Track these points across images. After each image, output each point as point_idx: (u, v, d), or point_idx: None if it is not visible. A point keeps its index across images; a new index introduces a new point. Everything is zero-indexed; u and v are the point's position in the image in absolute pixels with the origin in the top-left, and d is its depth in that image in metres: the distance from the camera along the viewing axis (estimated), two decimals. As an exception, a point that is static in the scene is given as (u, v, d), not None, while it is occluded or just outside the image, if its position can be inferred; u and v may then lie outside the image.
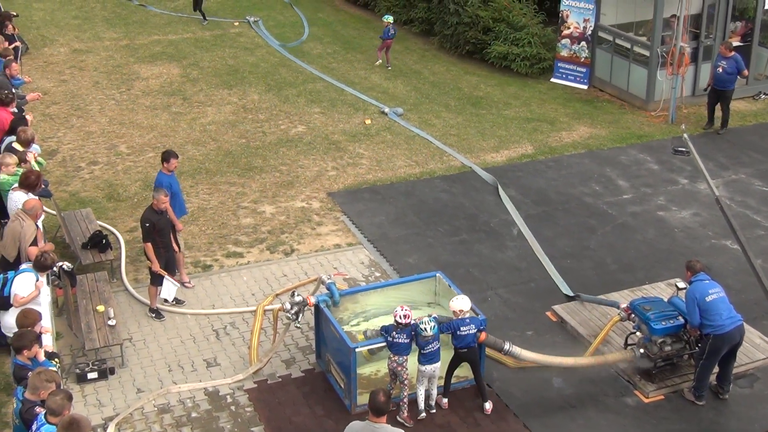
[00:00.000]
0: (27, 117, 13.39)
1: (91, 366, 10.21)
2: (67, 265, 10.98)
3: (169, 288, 11.20)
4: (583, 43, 20.13)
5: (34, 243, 10.41)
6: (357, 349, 9.48)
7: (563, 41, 20.45)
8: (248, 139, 16.87)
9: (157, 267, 11.01)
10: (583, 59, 20.22)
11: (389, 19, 21.75)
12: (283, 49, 22.63)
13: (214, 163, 15.87)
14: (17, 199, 10.93)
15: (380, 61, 21.75)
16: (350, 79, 20.44)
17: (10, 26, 18.38)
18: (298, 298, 10.05)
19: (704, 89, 18.26)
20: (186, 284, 11.95)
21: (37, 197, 10.96)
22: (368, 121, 17.83)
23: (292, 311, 9.95)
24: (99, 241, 12.10)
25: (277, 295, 11.69)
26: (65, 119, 17.62)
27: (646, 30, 19.23)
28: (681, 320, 10.06)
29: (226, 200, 14.55)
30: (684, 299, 10.01)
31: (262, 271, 12.50)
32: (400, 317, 9.34)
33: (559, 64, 20.66)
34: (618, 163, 16.30)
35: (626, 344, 10.62)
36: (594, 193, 15.10)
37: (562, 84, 20.52)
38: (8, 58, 14.73)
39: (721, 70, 17.18)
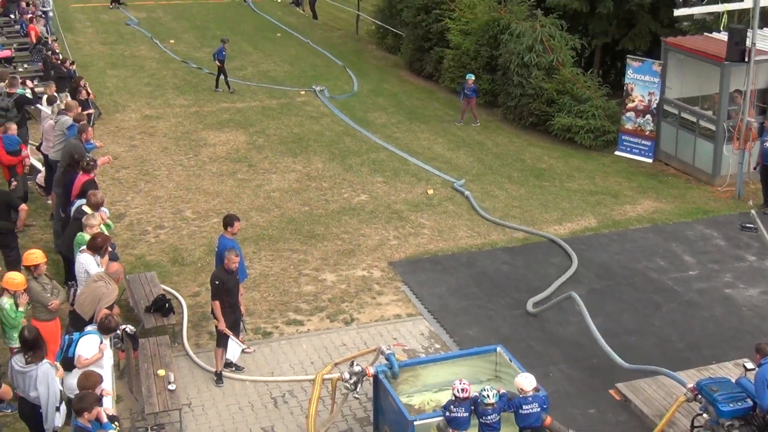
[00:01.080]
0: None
1: (149, 430, 10.33)
2: (130, 328, 11.17)
3: (233, 349, 11.38)
4: (648, 116, 20.17)
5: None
6: (416, 422, 9.40)
7: (628, 114, 20.53)
8: (311, 207, 17.23)
9: (223, 326, 11.20)
10: (647, 132, 20.23)
11: (471, 77, 22.38)
12: (331, 102, 23.42)
13: (277, 229, 16.22)
14: (84, 261, 11.20)
15: (462, 121, 22.33)
16: (413, 149, 20.81)
17: (84, 92, 19.34)
18: (357, 368, 10.06)
19: (754, 168, 18.05)
20: (246, 350, 12.13)
21: (119, 262, 11.34)
22: (431, 191, 18.08)
23: (351, 381, 9.96)
24: (162, 305, 12.33)
25: (336, 364, 11.67)
26: (134, 183, 18.25)
27: (711, 104, 19.15)
28: (750, 403, 9.79)
29: (288, 267, 14.81)
30: (753, 381, 9.79)
31: (322, 339, 12.61)
32: (458, 391, 9.29)
33: (623, 137, 20.70)
34: (684, 239, 16.14)
35: (692, 426, 10.35)
36: (659, 268, 14.95)
37: (626, 157, 20.52)
38: (82, 123, 15.46)
39: (768, 146, 17.03)
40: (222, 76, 25.10)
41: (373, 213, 17.02)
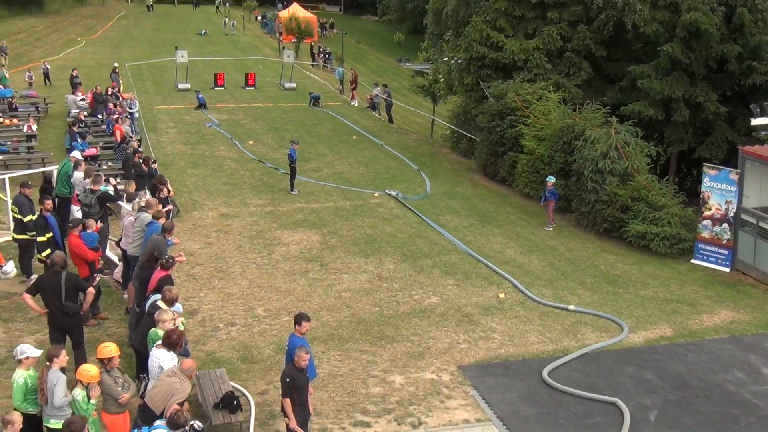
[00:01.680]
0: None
1: None
2: (198, 424, 11.18)
3: (303, 447, 11.45)
4: (725, 225, 20.00)
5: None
6: None
7: (704, 222, 20.40)
8: (382, 308, 17.37)
9: (294, 424, 11.25)
10: (725, 241, 20.02)
11: (552, 180, 22.72)
12: (404, 202, 23.94)
13: (347, 330, 16.33)
14: (159, 356, 11.44)
15: (553, 224, 22.64)
16: (485, 252, 21.01)
17: (165, 190, 20.14)
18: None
19: None
20: (312, 451, 12.15)
21: (191, 358, 11.56)
22: (502, 295, 18.09)
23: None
24: (230, 402, 12.45)
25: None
26: (208, 280, 18.70)
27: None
28: None
29: (357, 368, 14.84)
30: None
31: (388, 442, 12.57)
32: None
33: (699, 246, 20.51)
34: (763, 350, 15.74)
35: None
36: (737, 380, 14.60)
37: (702, 266, 20.28)
38: (168, 222, 16.02)
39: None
40: (290, 176, 26.04)
41: (443, 315, 17.12)
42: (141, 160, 22.51)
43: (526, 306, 17.70)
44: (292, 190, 25.81)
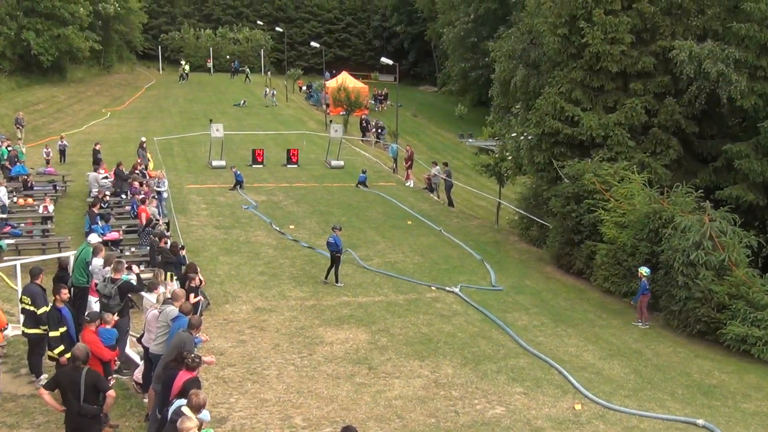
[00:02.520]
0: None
1: None
2: None
3: None
4: (844, 327, 19.68)
5: None
6: None
7: (818, 325, 20.10)
8: (438, 419, 17.19)
9: None
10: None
11: (644, 271, 22.65)
12: (465, 299, 23.97)
13: (396, 443, 16.33)
14: None
15: (642, 322, 22.54)
16: (559, 357, 20.84)
17: (196, 278, 20.35)
18: None
19: None
20: None
21: None
22: (578, 406, 17.87)
23: None
24: None
25: None
26: (239, 384, 18.72)
27: None
28: None
29: (407, 488, 14.80)
30: None
31: None
32: None
33: (814, 352, 20.17)
34: None
35: None
36: None
37: (818, 376, 19.89)
38: (196, 317, 16.02)
39: None
40: (333, 268, 26.30)
41: (509, 429, 16.89)
42: (168, 246, 22.93)
43: (606, 419, 17.44)
44: (337, 282, 26.14)
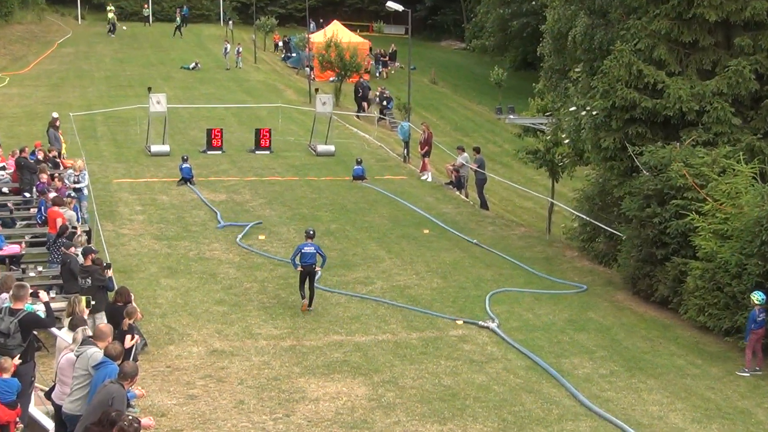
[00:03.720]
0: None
1: None
2: None
3: None
4: None
5: None
6: None
7: None
8: (464, 507, 17.30)
9: None
10: None
11: (759, 297, 22.61)
12: (505, 338, 24.00)
13: None
14: None
15: (748, 371, 22.47)
16: (635, 419, 20.77)
17: (137, 313, 20.14)
18: None
19: None
20: None
21: None
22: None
23: None
24: None
25: None
26: (190, 456, 18.93)
27: None
28: None
29: None
30: None
31: None
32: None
33: None
34: None
35: None
36: None
37: None
38: (129, 364, 15.92)
39: None
40: (309, 287, 26.68)
41: None
42: (92, 262, 22.84)
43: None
44: (309, 306, 26.65)
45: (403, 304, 27.35)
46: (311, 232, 27.15)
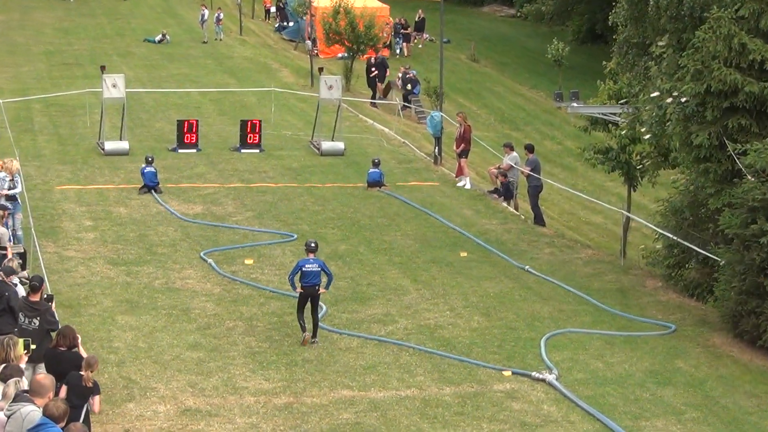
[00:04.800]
0: None
1: None
2: None
3: None
4: None
5: None
6: None
7: None
8: None
9: None
10: None
11: None
12: (567, 393, 24.05)
13: None
14: None
15: None
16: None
17: (95, 365, 20.17)
18: None
19: None
20: None
21: None
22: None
23: None
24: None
25: None
26: None
27: None
28: None
29: None
30: None
31: None
32: None
33: None
34: None
35: None
36: None
37: None
38: (74, 425, 16.03)
39: None
40: (313, 313, 26.99)
41: None
42: (27, 292, 22.82)
43: None
44: (314, 337, 27.01)
45: (434, 350, 27.36)
46: (313, 245, 27.37)
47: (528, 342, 28.20)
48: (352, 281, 31.65)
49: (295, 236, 35.81)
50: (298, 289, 26.81)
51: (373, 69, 62.83)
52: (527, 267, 34.38)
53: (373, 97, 61.81)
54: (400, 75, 62.79)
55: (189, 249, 34.26)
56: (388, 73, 63.48)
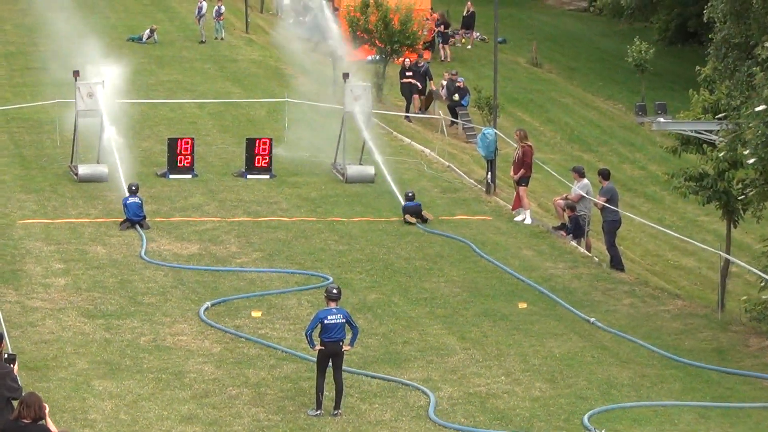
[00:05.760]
0: None
1: None
2: None
3: None
4: None
5: None
6: None
7: None
8: None
9: None
10: None
11: None
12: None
13: None
14: None
15: None
16: None
17: None
18: None
19: None
20: None
21: None
22: None
23: None
24: None
25: None
26: None
27: None
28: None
29: None
30: None
31: None
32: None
33: None
34: None
35: None
36: None
37: None
38: None
39: None
40: (336, 376, 26.92)
41: None
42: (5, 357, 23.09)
43: None
44: (337, 409, 26.97)
45: (486, 428, 27.42)
46: (335, 291, 27.28)
47: (603, 416, 28.23)
48: (384, 338, 31.69)
49: (331, 278, 35.94)
50: (318, 346, 26.70)
51: (408, 74, 62.96)
52: (593, 319, 34.31)
53: (408, 110, 61.86)
54: (445, 83, 63.07)
55: (182, 298, 34.40)
56: (431, 82, 63.50)
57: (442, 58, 76.95)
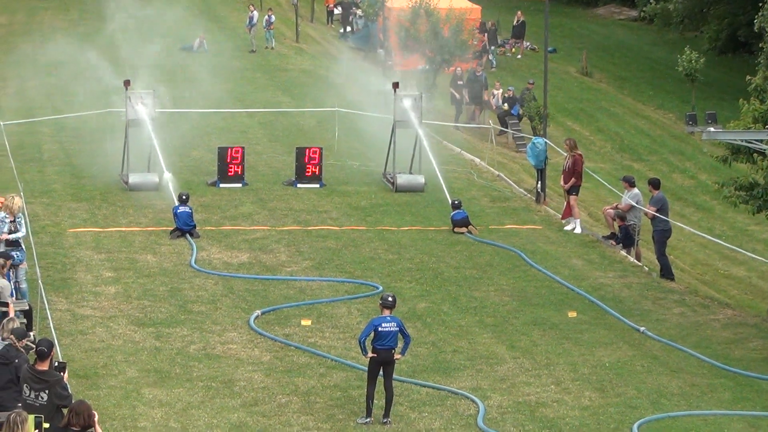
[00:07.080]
0: None
1: None
2: None
3: None
4: None
5: None
6: None
7: None
8: None
9: None
10: None
11: None
12: None
13: None
14: None
15: None
16: None
17: None
18: None
19: None
20: None
21: None
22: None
23: None
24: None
25: None
26: None
27: None
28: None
29: None
30: None
31: None
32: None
33: None
34: None
35: None
36: None
37: None
38: None
39: None
40: (387, 386, 26.92)
41: None
42: (33, 360, 22.98)
43: None
44: (386, 417, 26.88)
45: (535, 434, 27.42)
46: (390, 299, 27.14)
47: (654, 426, 28.18)
48: (433, 347, 31.66)
49: (381, 287, 36.02)
50: (370, 354, 26.67)
51: (459, 82, 62.90)
52: (643, 329, 34.26)
53: (458, 119, 61.78)
54: (496, 91, 62.90)
55: (232, 307, 34.43)
56: (486, 92, 63.42)
57: (488, 66, 76.84)
